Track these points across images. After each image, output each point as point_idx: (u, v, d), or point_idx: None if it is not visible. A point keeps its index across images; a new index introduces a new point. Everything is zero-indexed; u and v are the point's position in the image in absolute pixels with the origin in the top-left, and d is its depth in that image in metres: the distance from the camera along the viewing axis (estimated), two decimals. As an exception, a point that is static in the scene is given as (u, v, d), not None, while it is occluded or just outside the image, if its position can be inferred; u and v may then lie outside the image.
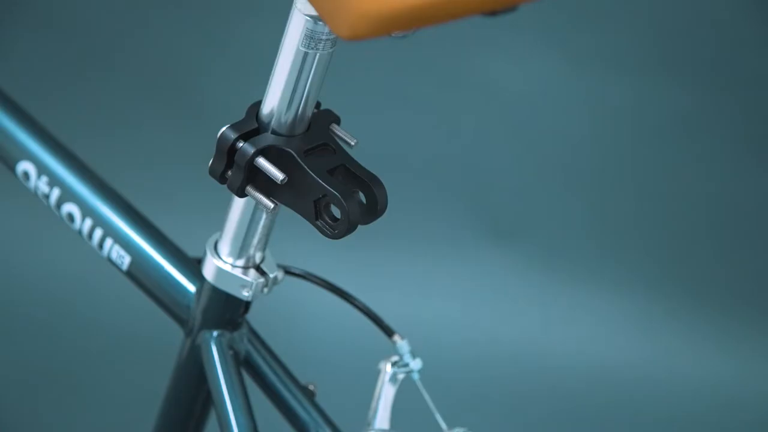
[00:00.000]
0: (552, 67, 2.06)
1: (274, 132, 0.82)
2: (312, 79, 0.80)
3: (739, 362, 1.94)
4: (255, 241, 0.93)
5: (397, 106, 2.07)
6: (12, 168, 1.07)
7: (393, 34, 0.70)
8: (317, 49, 0.79)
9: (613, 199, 2.05)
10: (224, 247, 0.94)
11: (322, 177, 0.80)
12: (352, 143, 0.84)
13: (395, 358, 1.04)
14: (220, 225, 0.94)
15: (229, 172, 0.82)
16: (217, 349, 0.99)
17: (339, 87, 1.83)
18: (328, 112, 0.85)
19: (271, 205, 0.83)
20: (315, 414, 1.03)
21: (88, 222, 1.03)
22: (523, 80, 2.07)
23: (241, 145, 0.81)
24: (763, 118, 2.06)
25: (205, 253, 0.96)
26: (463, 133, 2.07)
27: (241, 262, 0.94)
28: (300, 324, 1.91)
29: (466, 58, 2.07)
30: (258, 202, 0.83)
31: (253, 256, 0.94)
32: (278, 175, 0.80)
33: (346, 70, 1.91)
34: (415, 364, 1.04)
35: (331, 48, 0.79)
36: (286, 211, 0.85)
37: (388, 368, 1.03)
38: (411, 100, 2.07)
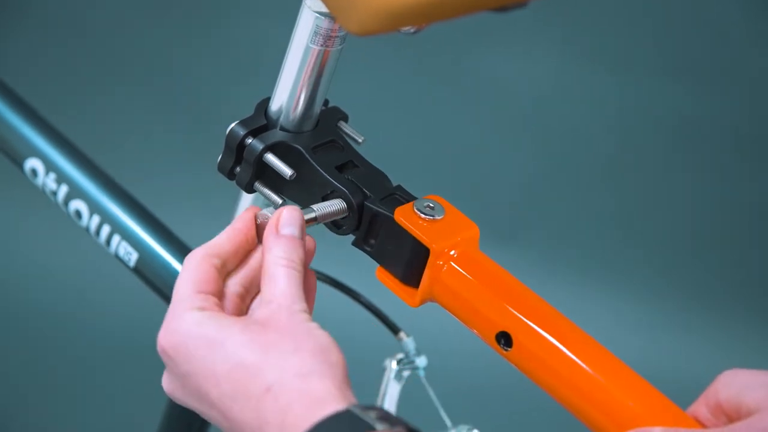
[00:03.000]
0: (553, 67, 2.06)
1: (282, 128, 0.82)
2: (321, 76, 0.81)
3: (739, 362, 1.94)
4: (262, 237, 0.93)
5: (404, 104, 2.07)
6: (20, 165, 1.07)
7: (403, 30, 0.70)
8: (326, 46, 0.79)
9: (613, 199, 2.06)
10: (231, 243, 0.94)
11: (330, 173, 0.80)
12: (360, 140, 0.85)
13: (400, 356, 1.04)
14: (227, 221, 0.94)
15: (238, 168, 0.83)
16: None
17: (347, 84, 1.84)
18: (336, 109, 0.86)
19: (279, 201, 0.83)
20: (320, 411, 1.03)
21: (96, 219, 1.04)
22: (525, 80, 2.07)
23: (250, 141, 0.81)
24: (764, 117, 2.06)
25: (212, 250, 0.96)
26: (469, 132, 2.07)
27: (248, 259, 0.94)
28: (304, 323, 1.91)
29: (473, 58, 2.07)
30: (266, 198, 0.83)
31: (260, 253, 0.94)
32: (287, 171, 0.80)
33: (355, 68, 1.91)
34: (421, 361, 1.04)
35: (340, 45, 0.80)
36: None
37: (393, 365, 1.03)
38: (419, 98, 2.08)
